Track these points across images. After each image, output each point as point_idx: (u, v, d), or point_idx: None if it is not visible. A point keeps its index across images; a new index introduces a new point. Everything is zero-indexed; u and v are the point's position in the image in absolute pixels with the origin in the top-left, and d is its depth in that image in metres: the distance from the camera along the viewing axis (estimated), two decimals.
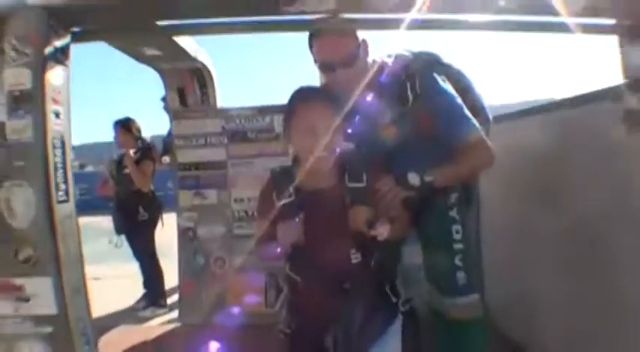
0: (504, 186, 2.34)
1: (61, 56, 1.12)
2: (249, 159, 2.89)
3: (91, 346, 1.20)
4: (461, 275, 1.66)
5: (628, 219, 1.43)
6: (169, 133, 3.70)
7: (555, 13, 1.26)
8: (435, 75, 1.59)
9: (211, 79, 2.87)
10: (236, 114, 2.86)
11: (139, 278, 3.63)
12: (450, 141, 1.55)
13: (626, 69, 1.37)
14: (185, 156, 2.91)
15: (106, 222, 3.97)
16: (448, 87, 1.60)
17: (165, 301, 3.60)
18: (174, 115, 2.89)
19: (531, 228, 2.17)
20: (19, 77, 1.06)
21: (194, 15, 1.20)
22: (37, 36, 1.04)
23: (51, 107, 1.09)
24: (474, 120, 1.58)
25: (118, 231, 3.61)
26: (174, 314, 3.20)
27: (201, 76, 2.88)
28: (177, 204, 2.98)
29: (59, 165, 1.13)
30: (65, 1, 1.06)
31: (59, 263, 1.13)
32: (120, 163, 3.49)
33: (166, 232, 3.49)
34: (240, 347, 2.39)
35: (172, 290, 3.56)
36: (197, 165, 2.91)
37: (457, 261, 1.66)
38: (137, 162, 3.44)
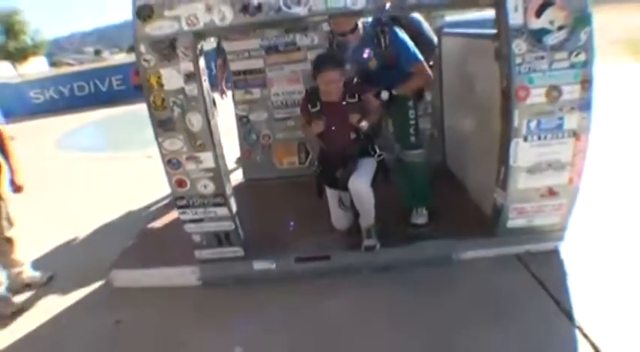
0: (448, 77, 3.44)
1: (201, 53, 2.28)
2: (281, 66, 3.85)
3: (229, 182, 2.59)
4: (412, 139, 2.83)
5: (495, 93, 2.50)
6: None
7: None
8: (397, 30, 2.58)
9: None
10: (269, 35, 3.74)
11: None
12: (406, 68, 2.62)
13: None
14: (236, 65, 3.91)
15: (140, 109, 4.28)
16: (404, 36, 2.60)
17: None
18: (224, 37, 3.82)
19: (461, 102, 3.32)
20: (187, 66, 2.24)
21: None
22: (193, 46, 2.22)
23: (201, 77, 2.29)
24: (420, 56, 2.61)
25: None
26: (239, 173, 4.45)
27: None
28: (234, 99, 4.08)
29: (209, 103, 2.35)
30: (200, 28, 2.20)
31: (214, 145, 2.41)
32: None
33: (226, 118, 4.39)
34: (283, 190, 3.56)
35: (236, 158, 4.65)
36: (245, 72, 3.90)
37: (411, 131, 2.82)
38: None
